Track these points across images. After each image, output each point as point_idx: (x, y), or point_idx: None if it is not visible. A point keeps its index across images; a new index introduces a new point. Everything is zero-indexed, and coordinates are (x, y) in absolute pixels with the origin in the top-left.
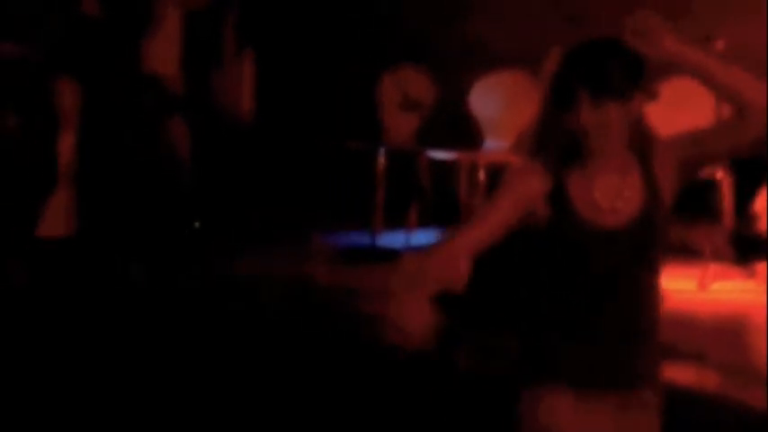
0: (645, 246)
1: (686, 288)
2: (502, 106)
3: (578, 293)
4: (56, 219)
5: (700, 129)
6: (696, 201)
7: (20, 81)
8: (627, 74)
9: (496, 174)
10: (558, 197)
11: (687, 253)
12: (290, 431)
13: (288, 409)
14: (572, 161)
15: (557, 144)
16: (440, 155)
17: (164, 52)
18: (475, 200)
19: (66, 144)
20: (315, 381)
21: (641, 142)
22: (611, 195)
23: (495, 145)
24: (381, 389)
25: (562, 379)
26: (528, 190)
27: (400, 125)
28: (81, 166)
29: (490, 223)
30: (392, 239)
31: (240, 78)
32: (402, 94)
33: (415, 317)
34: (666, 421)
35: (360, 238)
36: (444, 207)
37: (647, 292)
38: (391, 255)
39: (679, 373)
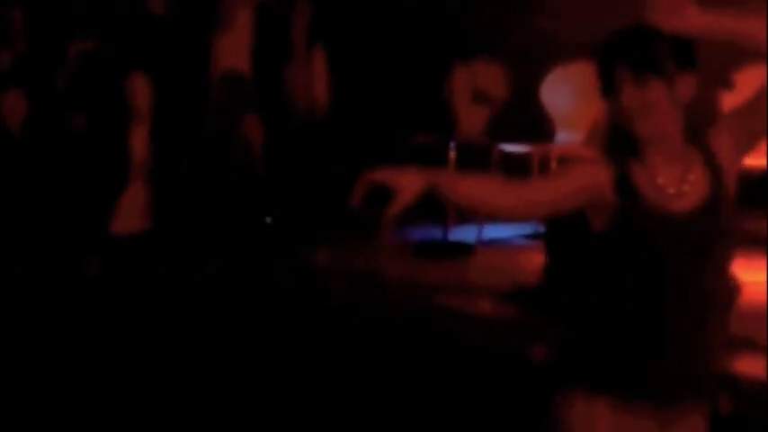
0: (714, 230)
1: (762, 280)
2: (574, 99)
3: (648, 284)
4: (130, 215)
5: (748, 100)
6: (763, 192)
7: (94, 78)
8: (667, 51)
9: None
10: (624, 185)
11: (763, 244)
12: (357, 420)
13: (360, 397)
14: (632, 150)
15: (616, 134)
16: (512, 148)
17: (235, 48)
18: None
19: (140, 140)
20: (387, 373)
21: (698, 127)
22: (675, 180)
23: (567, 138)
24: (456, 382)
25: (609, 385)
26: (594, 176)
27: (472, 118)
28: (155, 162)
29: (552, 185)
30: (464, 233)
31: (312, 72)
32: (473, 88)
33: (409, 182)
34: (740, 414)
35: (432, 232)
36: None
37: (715, 282)
38: (463, 249)
39: (753, 366)
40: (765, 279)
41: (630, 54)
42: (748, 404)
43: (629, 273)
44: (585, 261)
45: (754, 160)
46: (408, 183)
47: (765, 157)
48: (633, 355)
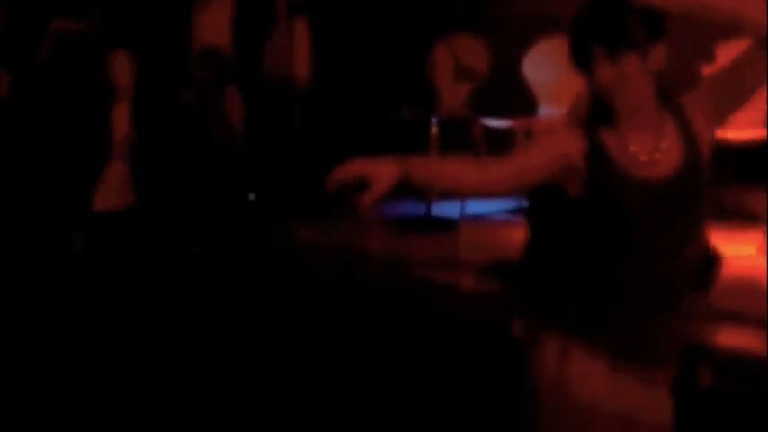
0: (688, 197)
1: (746, 253)
2: (556, 72)
3: (619, 247)
4: (112, 192)
5: (725, 68)
6: (756, 165)
7: (75, 55)
8: (638, 23)
9: None
10: (595, 155)
11: (747, 218)
12: (343, 394)
13: (343, 373)
14: (605, 121)
15: (596, 106)
16: (494, 123)
17: (215, 22)
18: None
19: (122, 117)
20: (371, 347)
21: (673, 95)
22: (648, 148)
23: (550, 111)
24: (439, 355)
25: (599, 346)
26: (563, 146)
27: (454, 93)
28: (137, 138)
29: (523, 158)
30: (447, 208)
31: (293, 46)
32: (455, 63)
33: (384, 172)
34: (729, 387)
35: (414, 208)
36: None
37: (686, 249)
38: (446, 224)
39: (739, 339)
40: (752, 253)
41: (603, 31)
42: (732, 377)
43: (601, 237)
44: (564, 229)
45: (750, 133)
46: (383, 173)
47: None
48: (602, 313)
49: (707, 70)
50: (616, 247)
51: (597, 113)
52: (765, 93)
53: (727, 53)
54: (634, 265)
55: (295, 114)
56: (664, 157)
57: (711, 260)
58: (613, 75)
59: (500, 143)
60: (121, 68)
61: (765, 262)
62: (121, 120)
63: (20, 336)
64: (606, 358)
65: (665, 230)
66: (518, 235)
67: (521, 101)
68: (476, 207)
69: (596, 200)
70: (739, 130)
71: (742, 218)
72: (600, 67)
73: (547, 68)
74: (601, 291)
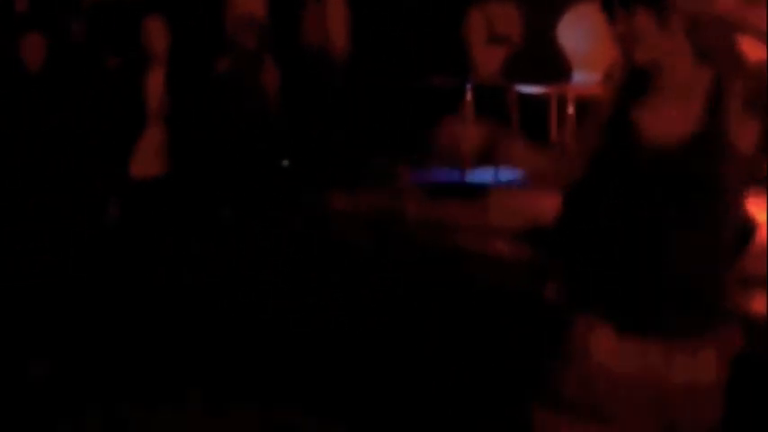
0: (714, 165)
1: None
2: (589, 39)
3: (648, 216)
4: (148, 158)
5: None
6: None
7: (111, 21)
8: None
9: (585, 107)
10: (619, 122)
11: None
12: (380, 363)
13: (380, 341)
14: (640, 87)
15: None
16: (528, 89)
17: None
18: (564, 133)
19: (156, 83)
20: (406, 314)
21: (714, 65)
22: (663, 118)
23: (584, 78)
24: (473, 321)
25: (613, 313)
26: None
27: (488, 60)
28: (172, 106)
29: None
30: (481, 175)
31: (329, 15)
32: (489, 29)
33: (466, 137)
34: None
35: (449, 174)
36: (534, 142)
37: (720, 216)
38: (480, 190)
39: None
40: None
41: None
42: (762, 342)
43: (632, 207)
44: (597, 196)
45: None
46: None
47: None
48: (635, 283)
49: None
50: (649, 219)
51: (631, 79)
52: None
53: None
54: (670, 237)
55: (331, 82)
56: (685, 124)
57: (747, 227)
58: (626, 27)
59: (534, 109)
60: (156, 35)
61: None
62: (156, 87)
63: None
64: (636, 331)
65: (695, 201)
66: (550, 202)
67: (554, 67)
68: (508, 174)
69: (624, 169)
70: None
71: None
72: (618, 23)
73: (580, 34)
74: (634, 260)
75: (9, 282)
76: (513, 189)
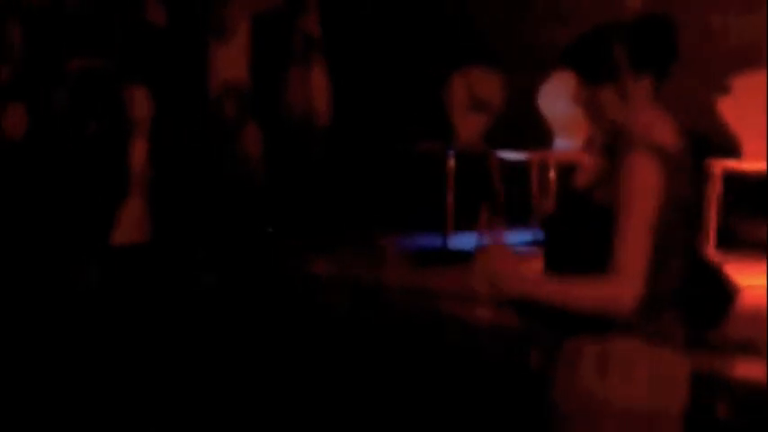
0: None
1: (760, 284)
2: (570, 105)
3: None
4: (130, 226)
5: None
6: None
7: (96, 91)
8: (618, 57)
9: (567, 173)
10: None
11: (761, 249)
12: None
13: (361, 406)
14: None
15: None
16: (510, 155)
17: (233, 58)
18: (546, 199)
19: (139, 151)
20: (389, 381)
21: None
22: (592, 178)
23: (565, 144)
24: (457, 388)
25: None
26: None
27: (469, 126)
28: (155, 173)
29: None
30: (463, 241)
31: (311, 82)
32: (471, 95)
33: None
34: (746, 419)
35: (431, 240)
36: (516, 207)
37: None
38: (463, 256)
39: (753, 370)
40: (764, 283)
41: (581, 60)
42: (749, 409)
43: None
44: (582, 260)
45: (753, 165)
46: None
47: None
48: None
49: (722, 103)
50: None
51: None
52: None
53: (744, 86)
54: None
55: (313, 149)
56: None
57: (727, 292)
58: (589, 102)
59: (516, 176)
60: (139, 104)
61: None
62: (139, 155)
63: (34, 366)
64: (644, 345)
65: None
66: (535, 267)
67: (536, 133)
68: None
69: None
70: (755, 161)
71: (756, 248)
72: (579, 92)
73: (562, 101)
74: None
75: None
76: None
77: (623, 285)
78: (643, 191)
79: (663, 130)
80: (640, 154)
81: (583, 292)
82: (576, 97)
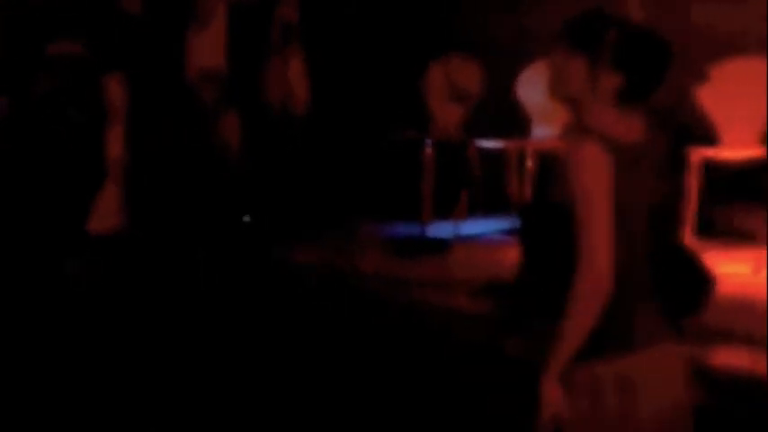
0: None
1: (740, 272)
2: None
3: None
4: (106, 214)
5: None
6: (750, 184)
7: (75, 79)
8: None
9: (545, 161)
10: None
11: (741, 237)
12: (336, 419)
13: (339, 394)
14: None
15: None
16: (488, 144)
17: (211, 46)
18: (524, 188)
19: (115, 139)
20: (366, 369)
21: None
22: None
23: (543, 132)
24: (434, 377)
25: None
26: None
27: (448, 115)
28: (131, 161)
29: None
30: (441, 229)
31: (289, 70)
32: (449, 84)
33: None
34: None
35: (409, 229)
36: (493, 196)
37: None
38: (440, 245)
39: (732, 358)
40: (746, 271)
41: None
42: (727, 397)
43: None
44: (559, 247)
45: (732, 153)
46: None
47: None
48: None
49: (700, 91)
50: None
51: None
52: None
53: (722, 73)
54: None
55: (292, 137)
56: None
57: (705, 281)
58: (560, 68)
59: (494, 164)
60: (115, 91)
61: (763, 280)
62: (115, 142)
63: (17, 359)
64: (637, 368)
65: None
66: (512, 255)
67: (514, 122)
68: (469, 228)
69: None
70: (734, 150)
71: (736, 236)
72: (561, 55)
73: (539, 90)
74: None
75: None
76: (475, 243)
77: (589, 271)
78: (594, 180)
79: (617, 125)
80: (589, 143)
81: (568, 315)
82: (552, 61)
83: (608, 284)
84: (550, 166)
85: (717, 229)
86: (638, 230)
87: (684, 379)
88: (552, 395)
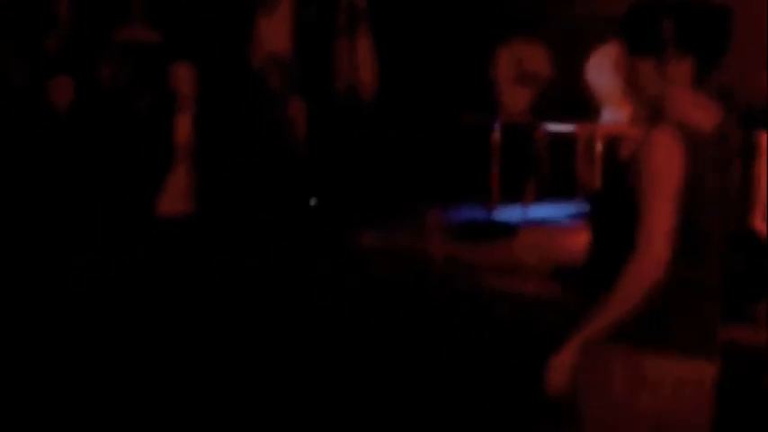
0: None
1: None
2: (618, 77)
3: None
4: (175, 197)
5: None
6: None
7: (140, 65)
8: (664, 33)
9: (614, 146)
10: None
11: None
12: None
13: (406, 376)
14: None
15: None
16: (556, 127)
17: (278, 32)
18: (593, 173)
19: (184, 124)
20: (433, 353)
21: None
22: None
23: (613, 116)
24: (500, 362)
25: (669, 348)
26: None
27: (516, 99)
28: (200, 145)
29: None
30: (509, 213)
31: (357, 54)
32: (517, 68)
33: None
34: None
35: (477, 213)
36: (562, 180)
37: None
38: (508, 229)
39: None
40: None
41: (625, 32)
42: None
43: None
44: (627, 233)
45: None
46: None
47: None
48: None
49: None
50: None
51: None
52: None
53: None
54: (695, 262)
55: (359, 122)
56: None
57: None
58: (629, 73)
59: (563, 147)
60: (184, 78)
61: None
62: (184, 128)
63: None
64: (677, 359)
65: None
66: (579, 240)
67: (583, 105)
68: (537, 212)
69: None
70: None
71: None
72: (621, 63)
73: (608, 73)
74: (665, 290)
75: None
76: (542, 228)
77: (645, 254)
78: (664, 166)
79: (696, 111)
80: (664, 130)
81: (614, 293)
82: (618, 67)
83: (661, 272)
84: (620, 151)
85: None
86: (713, 218)
87: (706, 405)
88: (565, 361)
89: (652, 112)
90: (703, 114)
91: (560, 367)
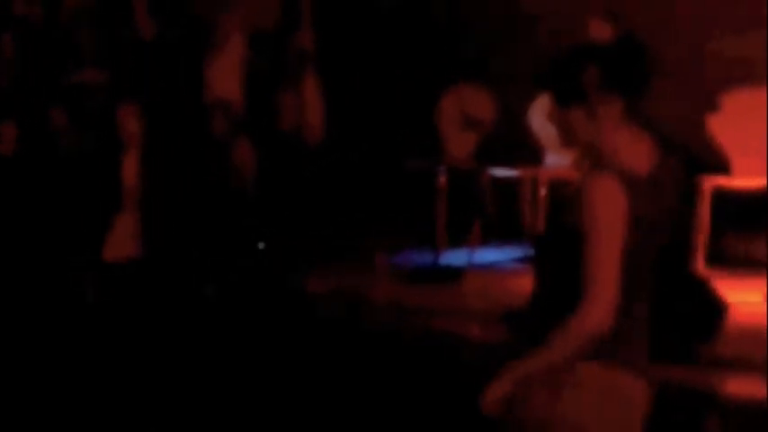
0: None
1: (752, 300)
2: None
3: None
4: (122, 241)
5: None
6: (762, 213)
7: (95, 106)
8: (589, 80)
9: (558, 189)
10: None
11: (752, 266)
12: None
13: (351, 421)
14: None
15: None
16: (501, 172)
17: (227, 75)
18: (537, 216)
19: (130, 167)
20: (379, 396)
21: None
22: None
23: (557, 160)
24: (447, 404)
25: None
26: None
27: (461, 143)
28: (147, 188)
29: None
30: (455, 257)
31: (304, 97)
32: (462, 113)
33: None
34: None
35: (423, 257)
36: (507, 224)
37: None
38: (454, 273)
39: (744, 386)
40: (758, 300)
41: (551, 82)
42: (740, 425)
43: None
44: (573, 276)
45: (744, 182)
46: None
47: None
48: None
49: (712, 120)
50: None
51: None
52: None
53: (734, 103)
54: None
55: (305, 165)
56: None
57: (717, 309)
58: (561, 123)
59: (507, 192)
60: (130, 120)
61: None
62: (130, 170)
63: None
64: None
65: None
66: (525, 283)
67: (527, 150)
68: (483, 256)
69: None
70: (744, 179)
71: (747, 265)
72: (556, 115)
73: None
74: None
75: None
76: (488, 271)
77: (594, 303)
78: (605, 213)
79: (632, 151)
80: (603, 175)
81: (560, 336)
82: (551, 117)
83: (610, 321)
84: (564, 195)
85: (728, 258)
86: (648, 259)
87: (634, 412)
88: (497, 392)
89: (591, 157)
90: (639, 154)
91: (492, 396)
